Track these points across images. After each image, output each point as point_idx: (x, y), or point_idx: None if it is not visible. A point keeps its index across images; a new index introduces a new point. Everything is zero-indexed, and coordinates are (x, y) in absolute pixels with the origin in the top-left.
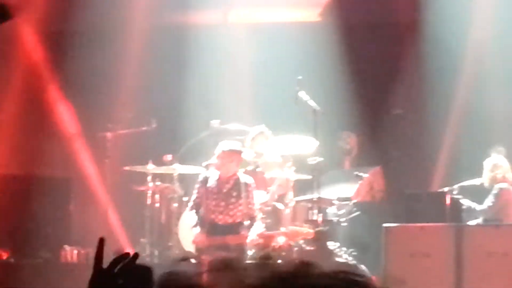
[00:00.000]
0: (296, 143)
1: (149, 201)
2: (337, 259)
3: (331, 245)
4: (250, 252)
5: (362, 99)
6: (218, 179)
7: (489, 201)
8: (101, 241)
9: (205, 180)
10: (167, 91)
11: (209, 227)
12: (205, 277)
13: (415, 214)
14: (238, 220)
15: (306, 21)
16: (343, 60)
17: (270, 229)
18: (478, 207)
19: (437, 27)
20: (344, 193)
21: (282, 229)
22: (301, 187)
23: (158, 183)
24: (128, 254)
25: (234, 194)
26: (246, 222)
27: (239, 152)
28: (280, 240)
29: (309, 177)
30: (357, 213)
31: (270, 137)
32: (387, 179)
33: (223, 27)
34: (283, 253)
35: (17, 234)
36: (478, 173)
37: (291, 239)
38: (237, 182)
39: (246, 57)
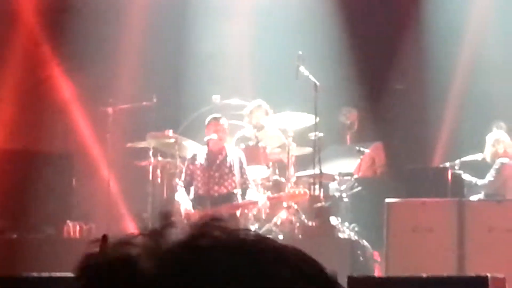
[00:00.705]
0: (297, 118)
1: (150, 177)
2: (339, 234)
3: (333, 220)
4: (252, 227)
5: (363, 74)
6: (209, 152)
7: (490, 175)
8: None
9: (194, 157)
10: (168, 67)
11: (204, 199)
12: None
13: (417, 189)
14: (233, 190)
15: None
16: (344, 35)
17: (271, 202)
18: (479, 181)
19: (438, 2)
20: (346, 168)
21: (281, 193)
22: (302, 163)
23: (159, 158)
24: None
25: (227, 164)
26: (240, 192)
27: (233, 128)
28: (282, 216)
29: (310, 152)
30: (359, 188)
31: (269, 111)
32: (388, 154)
33: (222, 3)
34: (285, 229)
35: (19, 210)
36: (479, 148)
37: (289, 199)
38: (228, 153)
39: (246, 33)
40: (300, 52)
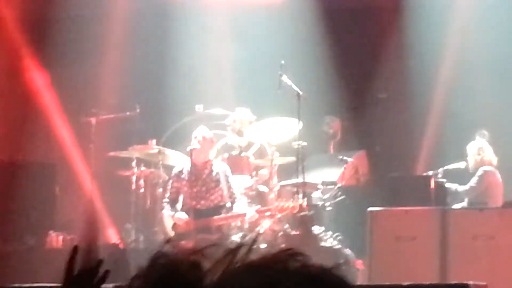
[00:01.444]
0: (280, 128)
1: (134, 186)
2: (322, 243)
3: (316, 229)
4: (235, 237)
5: (345, 83)
6: (194, 166)
7: (472, 182)
8: (75, 250)
9: (179, 173)
10: (150, 77)
11: (191, 213)
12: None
13: (400, 198)
14: (220, 203)
15: (289, 5)
16: (327, 44)
17: (260, 215)
18: (460, 187)
19: (420, 11)
20: (329, 177)
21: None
22: (285, 172)
23: (142, 168)
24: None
25: (214, 178)
26: (228, 204)
27: (216, 139)
28: (265, 225)
29: (293, 161)
30: (342, 197)
31: (252, 120)
32: (372, 163)
33: (204, 11)
34: (268, 238)
35: (1, 220)
36: (462, 156)
37: (279, 213)
38: (213, 168)
39: (229, 42)
40: (283, 62)
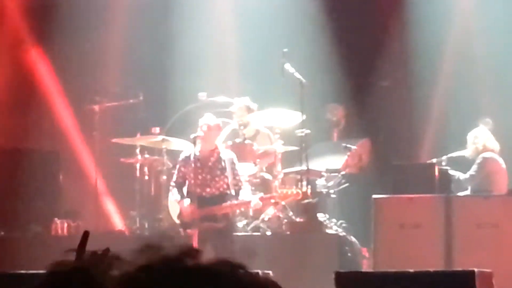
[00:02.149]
0: (283, 115)
1: (138, 174)
2: (327, 230)
3: (320, 216)
4: (240, 224)
5: (349, 71)
6: (201, 154)
7: (472, 170)
8: (85, 235)
9: (186, 159)
10: (154, 64)
11: (196, 201)
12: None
13: (404, 186)
14: (225, 191)
15: None
16: (330, 32)
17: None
18: (461, 176)
19: None
20: (333, 165)
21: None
22: (289, 159)
23: (146, 155)
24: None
25: (219, 166)
26: (233, 192)
27: (220, 125)
28: (270, 212)
29: (297, 148)
30: (346, 184)
31: (254, 109)
32: (375, 150)
33: (208, 1)
34: (273, 225)
35: (7, 208)
36: (466, 144)
37: (282, 200)
38: (220, 155)
39: (232, 30)
40: (286, 50)
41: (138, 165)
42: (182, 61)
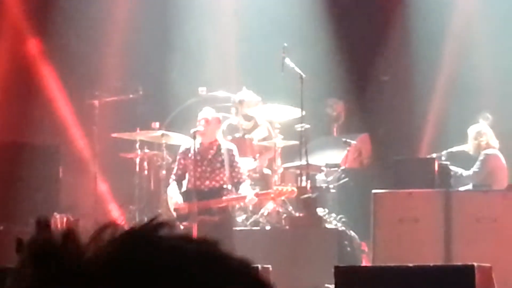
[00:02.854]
0: (283, 110)
1: (137, 168)
2: (326, 225)
3: (320, 211)
4: (239, 219)
5: (349, 65)
6: (201, 147)
7: (475, 167)
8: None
9: (186, 151)
10: (154, 59)
11: (195, 193)
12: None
13: (404, 180)
14: (224, 184)
15: None
16: (330, 27)
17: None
18: (464, 172)
19: None
20: (332, 159)
21: (269, 190)
22: (289, 154)
23: (146, 150)
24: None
25: (219, 159)
26: (230, 186)
27: (219, 119)
28: (269, 207)
29: (297, 143)
30: (346, 179)
31: (257, 103)
32: (375, 145)
33: None
34: (272, 220)
35: (6, 202)
36: (465, 139)
37: (275, 198)
38: (220, 148)
39: (232, 25)
40: (286, 44)
41: (137, 160)
42: (182, 56)
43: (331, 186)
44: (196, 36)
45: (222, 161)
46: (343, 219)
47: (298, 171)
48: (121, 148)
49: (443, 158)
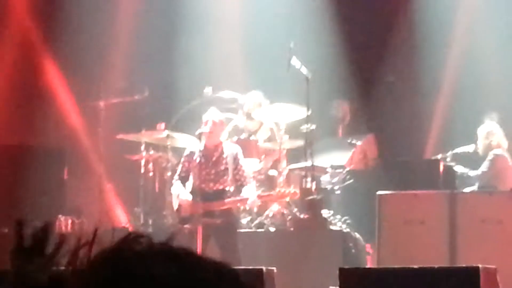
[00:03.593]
0: (289, 111)
1: (142, 170)
2: (331, 227)
3: (325, 213)
4: (244, 221)
5: (354, 66)
6: (206, 149)
7: (484, 166)
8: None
9: (191, 154)
10: (159, 60)
11: (200, 196)
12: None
13: (409, 182)
14: (228, 186)
15: None
16: (336, 27)
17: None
18: (471, 172)
19: None
20: (338, 161)
21: (271, 192)
22: (294, 155)
23: (151, 152)
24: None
25: (223, 161)
26: (231, 188)
27: (225, 121)
28: (274, 209)
29: (302, 145)
30: (351, 181)
31: (263, 104)
32: (380, 146)
33: None
34: (277, 222)
35: (11, 204)
36: (471, 140)
37: (277, 200)
38: (224, 150)
39: (237, 25)
40: (292, 45)
41: (143, 162)
42: (187, 57)
43: (336, 187)
44: (202, 37)
45: (226, 163)
46: (348, 221)
47: (303, 173)
48: (126, 150)
49: (448, 159)
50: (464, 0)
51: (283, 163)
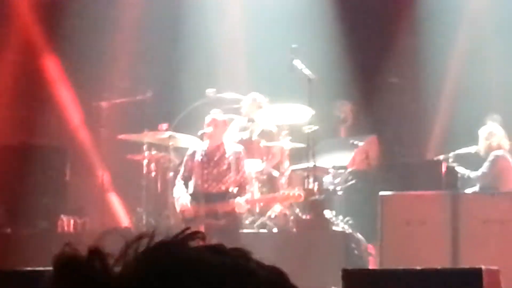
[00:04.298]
0: (291, 112)
1: (145, 170)
2: (334, 227)
3: (327, 214)
4: (246, 221)
5: (357, 67)
6: (208, 149)
7: (484, 167)
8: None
9: (193, 154)
10: (162, 60)
11: (202, 196)
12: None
13: (411, 182)
14: (231, 187)
15: None
16: (339, 29)
17: (265, 202)
18: (472, 173)
19: None
20: (340, 161)
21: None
22: (296, 156)
23: (153, 152)
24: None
25: (226, 161)
26: (235, 190)
27: (228, 121)
28: (276, 209)
29: (304, 145)
30: (353, 181)
31: (265, 105)
32: (382, 147)
33: None
34: (279, 222)
35: (13, 204)
36: (473, 141)
37: (280, 202)
38: (226, 150)
39: (240, 26)
40: (294, 45)
41: (145, 162)
42: (190, 58)
43: (338, 188)
44: (205, 38)
45: (229, 163)
46: (350, 222)
47: (306, 173)
48: (129, 150)
49: (450, 160)
50: (468, 3)
51: (285, 163)
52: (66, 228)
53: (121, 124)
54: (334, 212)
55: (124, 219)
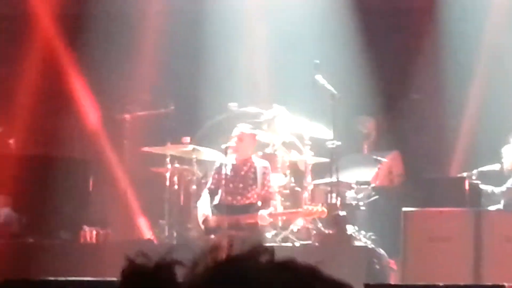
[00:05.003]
0: (313, 127)
1: (167, 183)
2: (356, 243)
3: (349, 229)
4: (269, 235)
5: (380, 83)
6: (235, 163)
7: (509, 183)
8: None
9: (220, 167)
10: (185, 74)
11: (226, 208)
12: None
13: (434, 199)
14: (255, 201)
15: (323, 4)
16: (361, 45)
17: (287, 217)
18: (496, 189)
19: (455, 11)
20: (363, 177)
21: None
22: (319, 171)
23: (176, 165)
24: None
25: (252, 176)
26: (259, 203)
27: (255, 135)
28: (299, 223)
29: (327, 160)
30: (376, 197)
31: (288, 120)
32: (406, 163)
33: (239, 10)
34: (302, 237)
35: (36, 214)
36: (496, 158)
37: (303, 217)
38: (253, 165)
39: (263, 41)
40: (317, 61)
41: (168, 174)
42: (213, 72)
43: (361, 203)
44: (227, 52)
45: (255, 178)
46: (373, 237)
47: (328, 188)
48: (152, 163)
49: (473, 177)
50: (491, 19)
51: (308, 178)
52: (88, 239)
53: (144, 136)
54: (356, 227)
55: (146, 231)
